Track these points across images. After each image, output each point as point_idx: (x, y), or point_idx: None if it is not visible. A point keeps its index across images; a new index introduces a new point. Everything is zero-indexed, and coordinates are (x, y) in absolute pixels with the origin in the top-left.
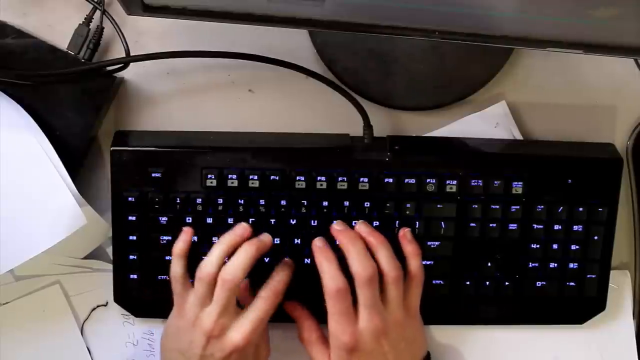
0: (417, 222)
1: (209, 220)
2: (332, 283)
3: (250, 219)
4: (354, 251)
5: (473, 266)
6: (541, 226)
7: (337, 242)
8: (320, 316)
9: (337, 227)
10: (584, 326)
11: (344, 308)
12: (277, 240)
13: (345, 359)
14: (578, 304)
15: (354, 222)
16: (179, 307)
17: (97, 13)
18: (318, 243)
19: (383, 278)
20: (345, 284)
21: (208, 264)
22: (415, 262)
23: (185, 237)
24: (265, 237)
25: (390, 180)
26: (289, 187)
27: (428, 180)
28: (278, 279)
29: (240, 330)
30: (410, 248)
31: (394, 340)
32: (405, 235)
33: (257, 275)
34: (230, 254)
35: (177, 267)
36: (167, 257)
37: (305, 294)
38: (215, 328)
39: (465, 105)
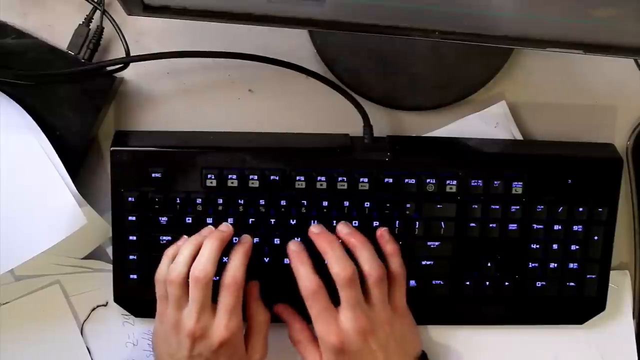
0: (417, 222)
1: (209, 220)
2: (308, 284)
3: (250, 219)
4: (331, 253)
5: (473, 266)
6: (541, 226)
7: (316, 246)
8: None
9: (314, 229)
10: (584, 326)
11: (324, 308)
12: (276, 241)
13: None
14: (578, 304)
15: (354, 222)
16: (160, 312)
17: (97, 13)
18: (292, 247)
19: (366, 279)
20: (320, 283)
21: (177, 266)
22: (395, 261)
23: (180, 244)
24: (224, 227)
25: (390, 180)
26: (289, 187)
27: (428, 180)
28: (234, 265)
29: (220, 324)
30: (389, 247)
31: (382, 339)
32: (382, 235)
33: (258, 276)
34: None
35: (164, 269)
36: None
37: (299, 294)
38: (197, 329)
39: (465, 105)
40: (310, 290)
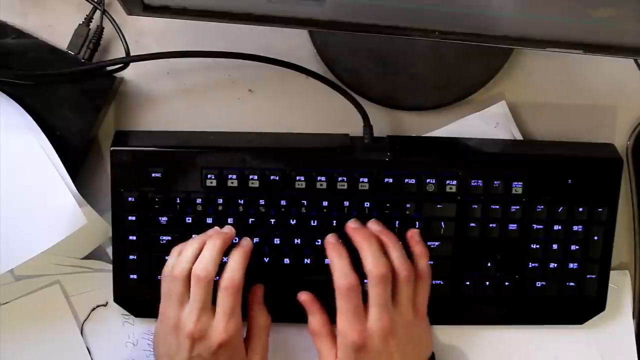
0: (417, 222)
1: (209, 220)
2: (344, 280)
3: (250, 219)
4: (368, 249)
5: (473, 266)
6: (541, 226)
7: (352, 240)
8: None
9: (352, 224)
10: (584, 326)
11: (355, 306)
12: (277, 241)
13: (352, 357)
14: (578, 304)
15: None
16: (162, 310)
17: (97, 13)
18: (330, 239)
19: (395, 277)
20: (356, 281)
21: (181, 263)
22: (423, 263)
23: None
24: (228, 229)
25: (390, 180)
26: (289, 187)
27: (428, 180)
28: (232, 267)
29: (219, 326)
30: (418, 249)
31: (402, 340)
32: (413, 236)
33: (257, 276)
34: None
35: (170, 266)
36: (167, 257)
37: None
38: (197, 330)
39: (465, 105)
40: (345, 286)
